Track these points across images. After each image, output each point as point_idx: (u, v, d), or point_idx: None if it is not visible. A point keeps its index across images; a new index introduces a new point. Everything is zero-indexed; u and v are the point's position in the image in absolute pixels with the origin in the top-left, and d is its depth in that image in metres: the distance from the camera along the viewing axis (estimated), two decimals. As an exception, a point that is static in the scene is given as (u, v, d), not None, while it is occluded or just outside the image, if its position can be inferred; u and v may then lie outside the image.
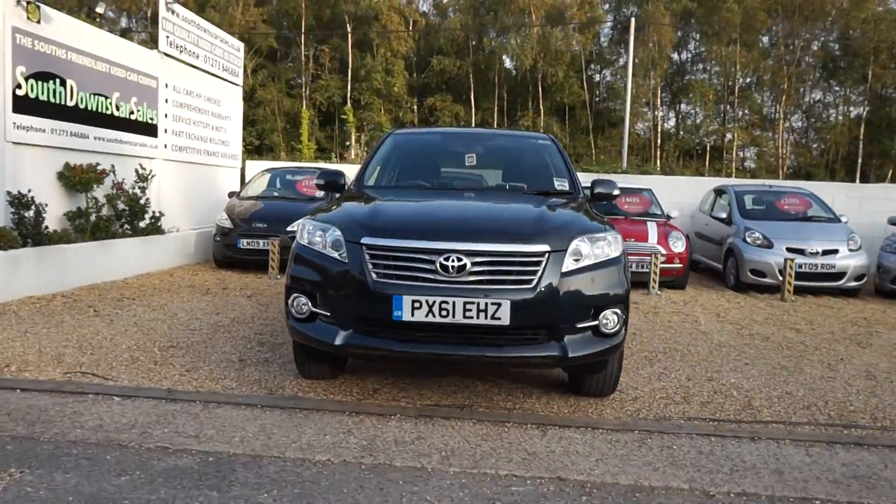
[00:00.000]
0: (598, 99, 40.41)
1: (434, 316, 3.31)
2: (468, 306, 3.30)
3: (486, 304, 3.30)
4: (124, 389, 3.88)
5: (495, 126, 36.60)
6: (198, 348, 4.94)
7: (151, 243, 8.96)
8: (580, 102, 37.82)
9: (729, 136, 38.75)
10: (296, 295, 3.65)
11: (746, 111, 38.28)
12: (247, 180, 11.84)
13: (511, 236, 3.50)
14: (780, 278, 8.84)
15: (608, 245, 3.66)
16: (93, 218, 7.95)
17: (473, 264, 3.35)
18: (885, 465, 3.25)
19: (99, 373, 4.20)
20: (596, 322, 3.51)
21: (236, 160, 12.72)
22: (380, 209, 3.85)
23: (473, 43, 38.87)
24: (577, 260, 3.51)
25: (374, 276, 3.42)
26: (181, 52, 10.26)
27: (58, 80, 7.55)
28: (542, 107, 37.59)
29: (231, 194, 10.96)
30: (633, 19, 19.76)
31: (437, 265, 3.36)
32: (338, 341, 3.47)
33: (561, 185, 4.78)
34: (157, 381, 4.08)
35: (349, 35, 36.99)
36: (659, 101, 38.75)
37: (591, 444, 3.38)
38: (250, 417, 3.53)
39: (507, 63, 38.20)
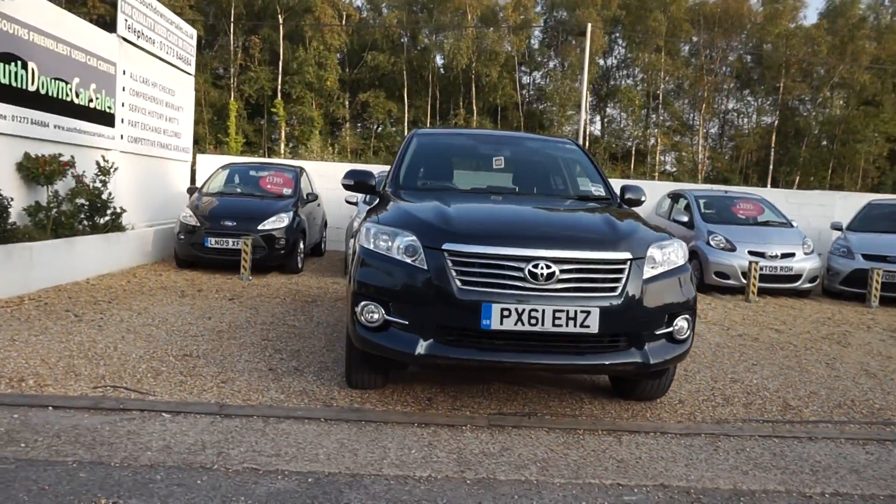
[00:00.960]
0: (528, 100, 41.12)
1: (523, 324, 3.25)
2: (557, 314, 3.25)
3: (576, 311, 3.26)
4: (170, 405, 3.60)
5: (429, 120, 36.64)
6: (215, 357, 4.65)
7: (112, 241, 8.38)
8: (512, 103, 38.39)
9: (652, 140, 40.35)
10: (366, 303, 3.48)
11: (668, 117, 39.96)
12: (206, 175, 11.27)
13: (594, 243, 3.48)
14: (744, 280, 9.27)
15: (675, 252, 3.70)
16: (53, 213, 7.35)
17: (562, 272, 3.31)
18: (942, 462, 3.45)
19: (131, 386, 3.87)
20: (671, 329, 3.54)
21: (188, 154, 12.11)
22: (455, 214, 3.71)
23: (406, 40, 38.72)
24: (653, 267, 3.53)
25: (458, 283, 3.31)
26: (139, 37, 9.65)
27: (19, 63, 6.93)
28: (475, 106, 37.90)
29: (191, 190, 10.42)
30: (588, 25, 20.11)
31: (526, 272, 3.29)
32: (419, 351, 3.33)
33: (598, 190, 4.80)
34: (199, 395, 3.80)
35: (281, 26, 35.99)
36: (587, 105, 39.82)
37: (669, 449, 3.40)
38: (321, 432, 3.34)
39: (441, 61, 38.24)
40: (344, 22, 37.68)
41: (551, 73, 40.17)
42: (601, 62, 40.65)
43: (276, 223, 9.11)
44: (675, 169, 41.36)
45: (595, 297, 3.32)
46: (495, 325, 3.24)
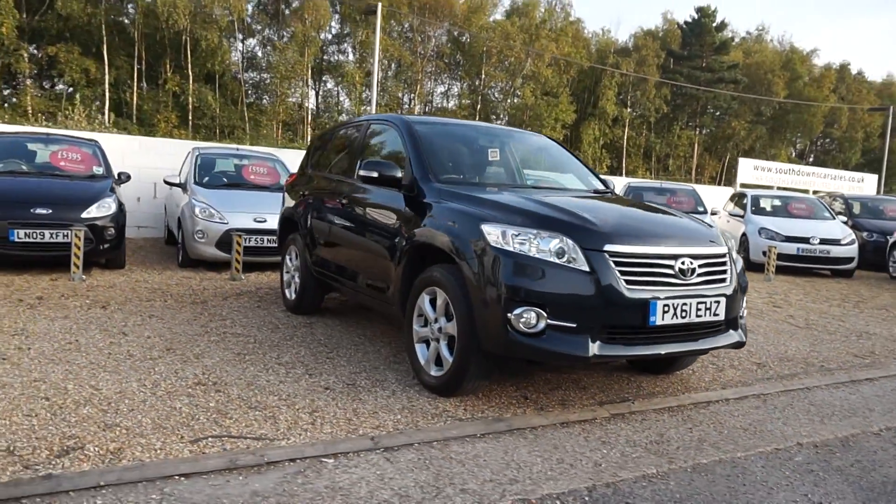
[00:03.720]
0: (251, 70, 39.04)
1: (676, 317, 3.49)
2: (699, 305, 3.57)
3: (711, 302, 3.62)
4: (316, 448, 3.01)
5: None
6: (246, 381, 3.91)
7: None
8: (231, 72, 36.07)
9: (368, 117, 41.56)
10: (524, 308, 3.33)
11: (386, 96, 41.58)
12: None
13: (710, 239, 3.84)
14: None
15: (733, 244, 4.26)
16: None
17: (699, 266, 3.62)
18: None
19: (234, 433, 3.11)
20: (744, 310, 4.10)
21: None
22: (594, 214, 3.70)
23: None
24: (734, 258, 4.03)
25: (624, 283, 3.39)
26: None
27: None
28: (190, 72, 34.66)
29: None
30: (378, 4, 19.69)
31: (676, 269, 3.52)
32: (594, 352, 3.34)
33: (598, 183, 5.13)
34: (320, 430, 3.24)
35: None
36: (310, 78, 39.36)
37: (780, 410, 4.00)
38: (496, 448, 3.16)
39: (150, 19, 33.95)
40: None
41: (276, 43, 38.63)
42: (321, 35, 40.38)
43: (103, 210, 7.56)
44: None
45: (719, 287, 3.72)
46: (659, 320, 3.43)
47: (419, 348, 4.04)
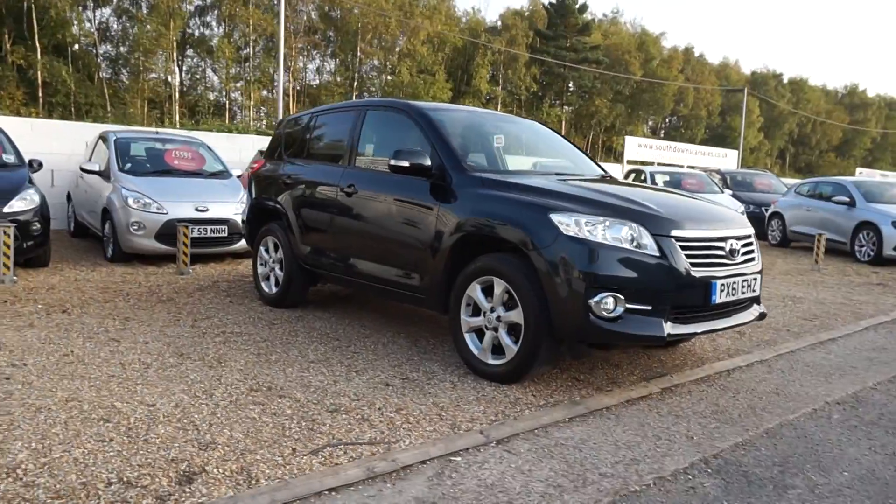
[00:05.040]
0: (106, 44, 35.72)
1: (728, 295, 3.77)
2: (744, 283, 3.88)
3: (751, 280, 3.94)
4: (437, 447, 2.97)
5: None
6: (317, 386, 3.73)
7: None
8: (87, 45, 32.87)
9: (237, 94, 39.70)
10: (604, 294, 3.45)
11: (258, 71, 39.77)
12: None
13: (741, 222, 4.13)
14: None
15: None
16: None
17: (741, 246, 3.91)
18: None
19: (343, 440, 2.97)
20: (759, 285, 4.48)
21: None
22: (654, 201, 3.84)
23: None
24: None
25: (689, 265, 3.60)
26: None
27: None
28: (37, 44, 31.11)
29: None
30: None
31: (727, 250, 3.79)
32: (668, 332, 3.53)
33: (599, 169, 5.30)
34: (422, 428, 3.18)
35: None
36: (175, 52, 36.71)
37: (788, 373, 4.41)
38: (596, 432, 3.28)
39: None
40: None
41: (136, 14, 35.54)
42: (190, 7, 37.72)
43: (26, 203, 6.79)
44: (264, 124, 41.65)
45: (754, 265, 4.05)
46: (718, 299, 3.69)
47: (469, 338, 4.05)
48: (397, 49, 41.84)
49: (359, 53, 40.97)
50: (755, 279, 4.00)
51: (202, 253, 7.80)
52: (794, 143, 68.63)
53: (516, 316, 3.73)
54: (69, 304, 5.54)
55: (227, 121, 37.86)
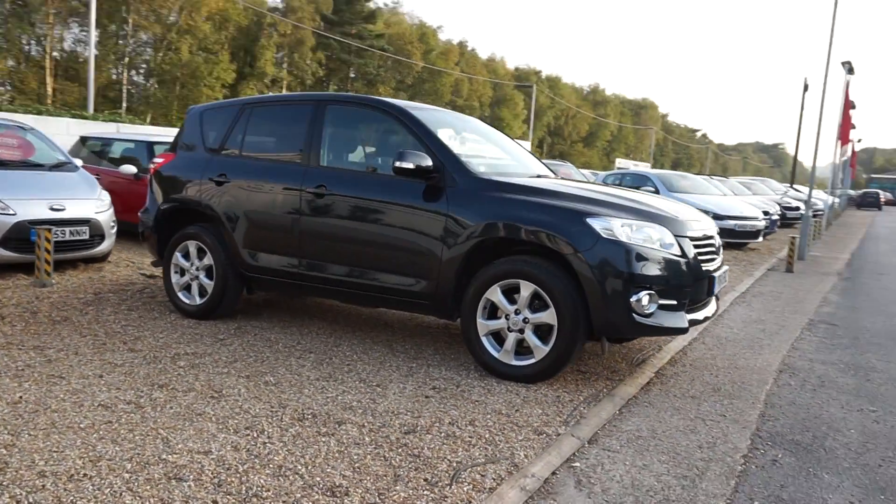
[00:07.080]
0: None
1: (719, 286, 4.24)
2: (723, 275, 4.39)
3: (726, 271, 4.47)
4: (553, 457, 2.97)
5: None
6: (362, 407, 3.44)
7: None
8: None
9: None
10: (643, 293, 3.68)
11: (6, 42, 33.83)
12: None
13: (711, 220, 4.61)
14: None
15: None
16: None
17: (719, 242, 4.41)
18: None
19: (465, 462, 2.81)
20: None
21: None
22: (658, 204, 4.11)
23: None
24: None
25: (699, 262, 3.98)
26: None
27: None
28: None
29: None
30: None
31: (716, 246, 4.26)
32: (687, 323, 3.88)
33: (543, 167, 5.49)
34: (514, 436, 3.14)
35: None
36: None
37: (721, 345, 5.01)
38: (659, 418, 3.54)
39: None
40: None
41: None
42: None
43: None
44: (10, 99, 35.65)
45: (722, 258, 4.57)
46: (717, 290, 4.14)
47: (486, 341, 4.05)
48: (176, 24, 38.32)
49: (129, 24, 36.78)
50: (728, 270, 4.55)
51: (59, 259, 6.61)
52: (551, 133, 76.17)
53: (548, 317, 3.82)
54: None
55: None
